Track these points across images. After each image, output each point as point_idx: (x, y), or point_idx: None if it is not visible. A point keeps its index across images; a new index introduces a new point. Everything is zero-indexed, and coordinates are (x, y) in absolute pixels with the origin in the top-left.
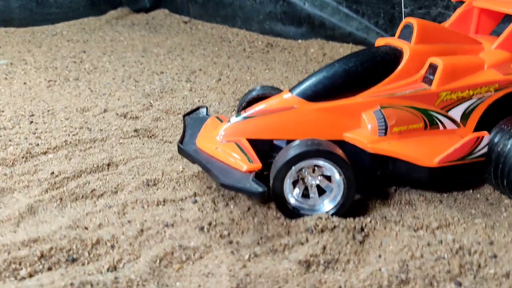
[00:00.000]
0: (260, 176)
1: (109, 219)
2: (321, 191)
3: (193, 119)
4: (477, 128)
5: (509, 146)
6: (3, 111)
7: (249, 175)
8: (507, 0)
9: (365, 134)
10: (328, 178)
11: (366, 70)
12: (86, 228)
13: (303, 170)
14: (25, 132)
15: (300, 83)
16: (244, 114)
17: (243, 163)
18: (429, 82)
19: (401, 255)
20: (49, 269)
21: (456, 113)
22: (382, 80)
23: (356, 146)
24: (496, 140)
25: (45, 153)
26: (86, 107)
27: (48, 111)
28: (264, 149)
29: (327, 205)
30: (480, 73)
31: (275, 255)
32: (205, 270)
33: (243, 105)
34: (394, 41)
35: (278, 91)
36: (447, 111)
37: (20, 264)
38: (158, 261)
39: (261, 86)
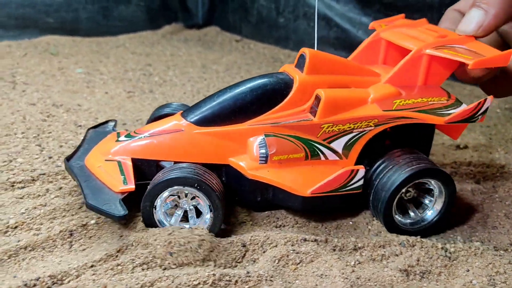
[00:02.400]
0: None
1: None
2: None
3: (96, 133)
4: (360, 160)
5: (384, 180)
6: (97, 118)
7: (118, 197)
8: (411, 35)
9: (247, 160)
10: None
11: (255, 98)
12: None
13: (184, 193)
14: None
15: (192, 107)
16: (134, 134)
17: (117, 183)
18: (315, 113)
19: (487, 270)
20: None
21: (338, 144)
22: (271, 108)
23: (238, 171)
24: (375, 173)
25: None
26: None
27: (137, 120)
28: (151, 169)
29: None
30: (362, 108)
31: (375, 263)
32: (318, 272)
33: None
34: (289, 69)
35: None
36: (329, 142)
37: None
38: (276, 261)
39: (177, 104)
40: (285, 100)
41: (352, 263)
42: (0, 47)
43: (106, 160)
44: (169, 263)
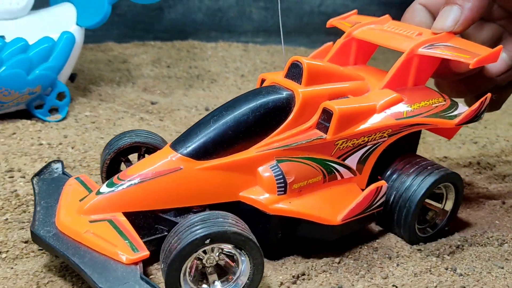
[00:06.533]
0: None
1: None
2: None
3: (45, 182)
4: (370, 173)
5: (404, 191)
6: None
7: (135, 270)
8: (388, 34)
9: (263, 193)
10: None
11: (258, 119)
12: None
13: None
14: None
15: (184, 137)
16: (117, 182)
17: (123, 252)
18: (324, 129)
19: None
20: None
21: (352, 160)
22: (276, 128)
23: (253, 206)
24: (390, 187)
25: None
26: None
27: None
28: (149, 222)
29: None
30: (374, 118)
31: None
32: None
33: (107, 159)
34: (282, 81)
35: (155, 138)
36: (344, 159)
37: None
38: None
39: (134, 132)
40: (289, 117)
41: None
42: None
43: (91, 222)
44: None
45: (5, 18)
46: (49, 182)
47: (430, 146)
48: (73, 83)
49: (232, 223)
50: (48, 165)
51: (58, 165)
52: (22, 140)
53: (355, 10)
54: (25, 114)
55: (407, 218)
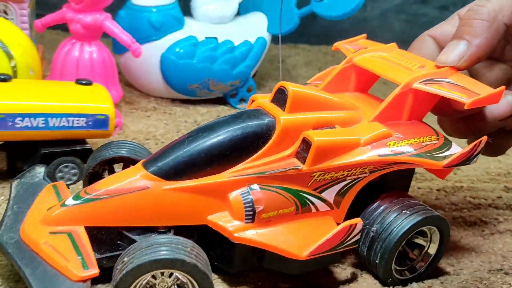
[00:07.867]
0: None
1: None
2: None
3: (24, 186)
4: (350, 208)
5: (385, 228)
6: None
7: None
8: (389, 64)
9: (230, 220)
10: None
11: (235, 144)
12: None
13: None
14: None
15: (156, 157)
16: (83, 195)
17: (74, 268)
18: (302, 159)
19: None
20: None
21: (330, 194)
22: (252, 154)
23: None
24: (369, 221)
25: None
26: None
27: None
28: (111, 238)
29: None
30: (356, 152)
31: None
32: None
33: (89, 171)
34: (267, 106)
35: (143, 153)
36: (320, 192)
37: None
38: None
39: (120, 144)
40: (268, 144)
41: None
42: None
43: (51, 233)
44: None
45: (217, 22)
46: (27, 187)
47: None
48: (252, 78)
49: (184, 250)
50: (32, 168)
51: (42, 169)
52: None
53: (364, 34)
54: (221, 100)
55: (384, 257)
